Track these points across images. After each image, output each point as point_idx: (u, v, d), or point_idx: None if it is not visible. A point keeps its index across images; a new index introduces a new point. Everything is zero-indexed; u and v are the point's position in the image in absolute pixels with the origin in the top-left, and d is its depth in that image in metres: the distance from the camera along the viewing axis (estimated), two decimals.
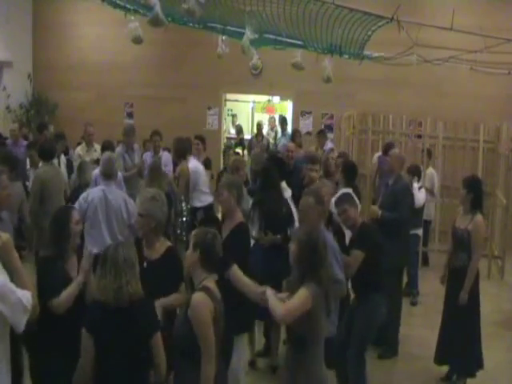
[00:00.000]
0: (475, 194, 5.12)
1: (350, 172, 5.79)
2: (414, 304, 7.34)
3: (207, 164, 8.25)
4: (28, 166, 7.70)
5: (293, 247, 3.46)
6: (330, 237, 4.27)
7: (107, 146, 7.37)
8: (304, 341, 3.32)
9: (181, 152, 6.85)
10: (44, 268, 3.58)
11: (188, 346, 3.13)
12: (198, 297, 3.13)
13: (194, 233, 3.37)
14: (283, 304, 3.25)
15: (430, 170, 8.71)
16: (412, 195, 6.23)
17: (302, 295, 3.23)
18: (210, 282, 3.25)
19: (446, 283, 5.34)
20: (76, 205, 5.21)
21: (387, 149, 8.28)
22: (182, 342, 3.19)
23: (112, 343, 2.99)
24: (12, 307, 2.69)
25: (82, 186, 6.16)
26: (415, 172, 7.37)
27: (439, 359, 5.35)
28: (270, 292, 3.36)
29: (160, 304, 3.56)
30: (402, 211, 5.67)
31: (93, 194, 5.29)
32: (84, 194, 5.34)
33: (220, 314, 3.21)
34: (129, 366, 3.02)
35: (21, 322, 2.74)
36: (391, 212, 5.63)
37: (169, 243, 3.97)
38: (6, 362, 2.86)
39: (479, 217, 5.11)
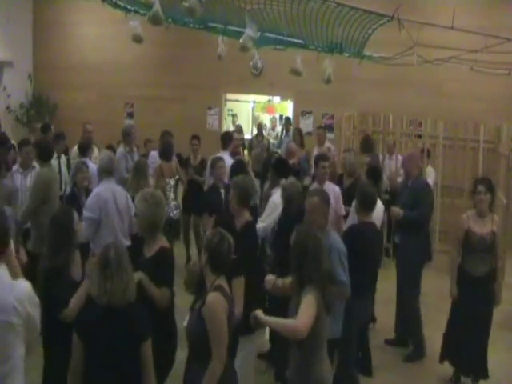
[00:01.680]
0: (492, 194, 5.03)
1: (374, 175, 6.14)
2: None
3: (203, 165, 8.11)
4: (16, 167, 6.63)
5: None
6: (337, 237, 4.19)
7: (85, 148, 7.27)
8: (311, 344, 3.28)
9: (161, 154, 7.41)
10: (51, 281, 3.54)
11: (201, 346, 3.13)
12: (214, 296, 3.15)
13: (206, 235, 3.44)
14: (295, 319, 3.13)
15: (430, 169, 8.79)
16: (432, 192, 6.29)
17: (309, 302, 3.18)
18: (222, 282, 3.28)
19: (458, 293, 5.18)
20: (88, 211, 5.21)
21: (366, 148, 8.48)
22: (194, 342, 3.20)
23: (104, 345, 2.92)
24: (37, 309, 2.73)
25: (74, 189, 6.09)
26: None
27: (447, 360, 5.32)
28: (261, 315, 3.25)
29: (139, 276, 3.48)
30: (422, 209, 5.70)
31: (103, 194, 5.28)
32: (94, 197, 5.29)
33: (232, 312, 3.23)
34: (120, 367, 2.95)
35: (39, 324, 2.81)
36: (412, 210, 5.66)
37: (164, 243, 3.84)
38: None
39: (497, 216, 5.12)
